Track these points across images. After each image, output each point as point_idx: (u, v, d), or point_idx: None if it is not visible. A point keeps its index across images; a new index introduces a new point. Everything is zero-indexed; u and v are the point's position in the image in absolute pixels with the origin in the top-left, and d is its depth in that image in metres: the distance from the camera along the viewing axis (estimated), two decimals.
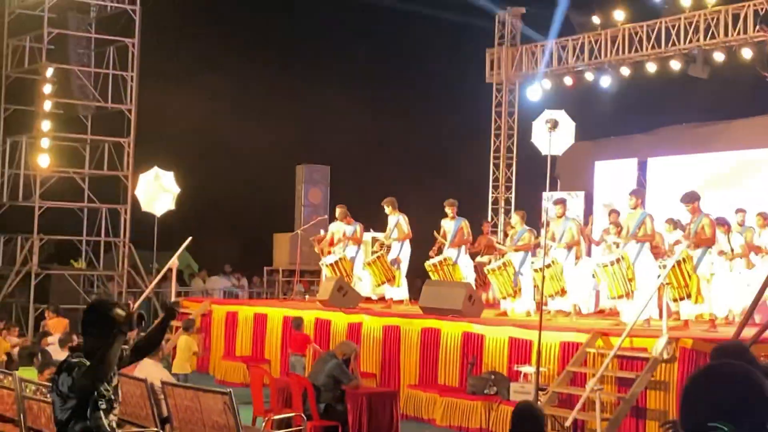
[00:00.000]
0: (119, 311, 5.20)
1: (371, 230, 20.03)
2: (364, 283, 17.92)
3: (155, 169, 22.18)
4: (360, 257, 17.94)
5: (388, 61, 28.45)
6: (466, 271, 16.95)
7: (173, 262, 18.08)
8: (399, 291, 17.55)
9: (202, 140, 26.98)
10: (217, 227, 26.69)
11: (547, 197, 16.57)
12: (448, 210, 16.94)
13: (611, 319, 14.96)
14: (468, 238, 17.10)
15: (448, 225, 16.98)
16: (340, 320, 16.15)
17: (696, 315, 13.58)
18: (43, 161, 22.37)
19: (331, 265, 17.69)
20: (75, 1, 23.75)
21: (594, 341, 12.43)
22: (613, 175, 22.45)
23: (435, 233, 17.11)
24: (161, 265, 19.31)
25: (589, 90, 23.49)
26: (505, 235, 17.82)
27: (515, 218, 16.68)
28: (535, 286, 15.66)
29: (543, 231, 14.79)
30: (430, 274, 16.88)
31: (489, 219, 24.24)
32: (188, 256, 26.11)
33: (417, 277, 18.51)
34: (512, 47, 25.10)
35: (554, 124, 13.34)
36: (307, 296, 20.90)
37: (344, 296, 16.82)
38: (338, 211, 18.60)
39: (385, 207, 17.52)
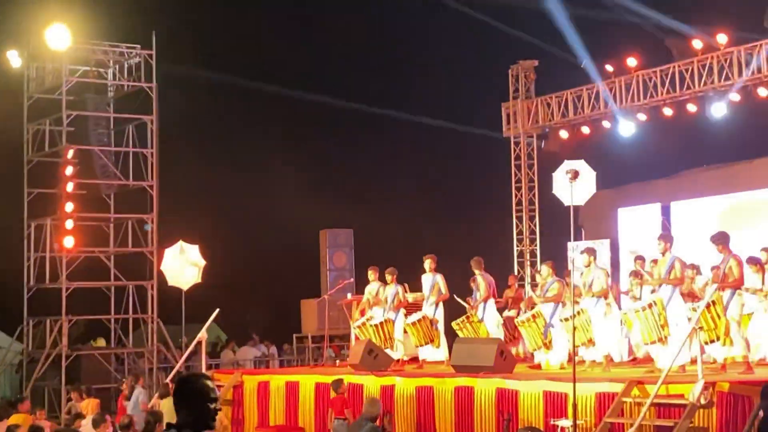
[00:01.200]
0: (208, 383, 5.29)
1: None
2: (400, 345, 17.86)
3: (180, 243, 22.29)
4: (400, 320, 17.85)
5: (405, 123, 28.66)
6: (491, 327, 16.95)
7: (202, 335, 18.08)
8: (439, 352, 17.47)
9: (225, 212, 27.14)
10: (244, 297, 26.75)
11: (573, 247, 16.56)
12: (477, 270, 17.02)
13: (645, 366, 14.83)
14: (488, 292, 17.07)
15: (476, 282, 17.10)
16: (372, 383, 16.05)
17: (726, 358, 13.45)
18: (68, 242, 22.56)
19: (375, 326, 17.62)
20: (92, 83, 24.11)
21: (630, 390, 12.31)
22: (636, 221, 22.42)
23: (460, 299, 17.22)
24: (190, 339, 19.31)
25: (607, 137, 23.57)
26: (533, 287, 17.80)
27: (544, 269, 16.66)
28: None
29: (571, 281, 14.76)
30: (458, 332, 16.84)
31: (515, 272, 24.17)
32: (217, 327, 26.12)
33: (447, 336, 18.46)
34: (527, 100, 25.24)
35: (575, 175, 13.36)
36: (337, 361, 20.81)
37: (375, 359, 16.74)
38: (372, 273, 18.51)
39: (426, 263, 17.44)
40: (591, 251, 15.77)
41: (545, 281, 16.32)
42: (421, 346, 17.39)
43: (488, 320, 17.03)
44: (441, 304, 17.43)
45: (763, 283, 15.20)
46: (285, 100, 28.61)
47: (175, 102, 24.29)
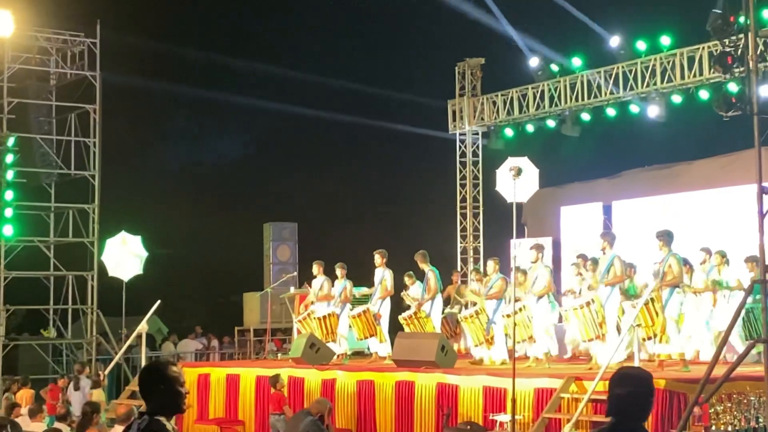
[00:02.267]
0: (176, 368, 5.33)
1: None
2: (343, 340, 17.84)
3: (122, 234, 22.10)
4: (345, 314, 17.82)
5: (352, 119, 28.66)
6: (437, 323, 17.02)
7: (142, 326, 17.96)
8: (383, 347, 17.49)
9: (168, 203, 26.93)
10: (186, 289, 26.60)
11: (515, 244, 16.68)
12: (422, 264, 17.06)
13: (584, 364, 14.99)
14: (434, 288, 17.14)
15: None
16: (313, 377, 16.06)
17: (659, 354, 13.65)
18: (7, 231, 22.24)
19: (318, 319, 17.59)
20: (34, 70, 23.77)
21: (568, 386, 12.43)
22: (579, 220, 22.61)
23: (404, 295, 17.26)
24: (130, 331, 19.17)
25: (552, 136, 23.74)
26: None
27: (490, 265, 16.73)
28: (506, 334, 15.70)
29: (512, 278, 14.87)
30: (404, 327, 16.89)
31: (458, 269, 24.26)
32: (158, 320, 25.93)
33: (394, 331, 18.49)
34: (473, 97, 25.36)
35: (518, 172, 13.47)
36: (279, 355, 20.78)
37: (317, 353, 16.74)
38: (317, 267, 18.48)
39: (376, 257, 17.40)
40: (539, 248, 15.85)
41: (490, 278, 16.41)
42: (363, 339, 17.40)
43: (435, 316, 17.09)
44: (388, 300, 17.44)
45: (690, 282, 15.53)
46: (230, 88, 28.49)
47: (118, 92, 24.04)
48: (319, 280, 18.33)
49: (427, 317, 16.70)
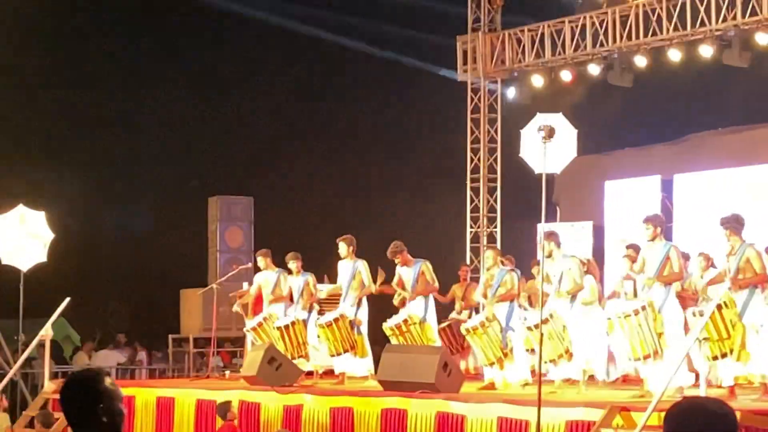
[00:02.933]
0: (110, 380, 5.29)
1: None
2: (321, 354, 17.89)
3: (20, 208, 22.02)
4: (313, 320, 17.86)
5: (325, 51, 28.59)
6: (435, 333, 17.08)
7: (45, 332, 17.93)
8: (363, 363, 17.49)
9: (81, 171, 26.87)
10: (104, 284, 26.55)
11: (544, 231, 16.69)
12: (396, 260, 17.12)
13: (633, 388, 15.01)
14: (434, 284, 17.17)
15: (405, 273, 17.12)
16: (272, 403, 16.08)
17: (737, 377, 13.67)
18: None
19: (281, 328, 17.64)
20: None
21: (611, 419, 12.45)
22: (629, 199, 22.64)
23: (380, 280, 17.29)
24: (29, 338, 19.14)
25: (595, 88, 23.74)
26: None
27: (489, 256, 16.80)
28: (530, 349, 15.70)
29: (540, 276, 14.86)
30: (391, 338, 16.89)
31: (468, 262, 24.29)
32: (67, 324, 25.89)
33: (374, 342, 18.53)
34: (491, 33, 25.30)
35: (550, 133, 13.41)
36: (227, 372, 20.82)
37: (277, 370, 16.76)
38: (263, 259, 18.53)
39: (341, 247, 17.47)
40: (551, 236, 15.81)
41: (491, 274, 16.43)
42: (337, 355, 17.40)
43: (433, 324, 17.11)
44: (365, 301, 17.46)
45: None
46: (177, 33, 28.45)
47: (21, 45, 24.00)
48: (268, 275, 18.37)
49: (423, 322, 16.73)
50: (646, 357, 13.97)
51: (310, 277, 18.02)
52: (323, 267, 18.69)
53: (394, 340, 16.79)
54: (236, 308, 19.43)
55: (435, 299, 17.69)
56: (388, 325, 16.94)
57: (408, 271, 17.13)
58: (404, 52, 27.35)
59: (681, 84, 23.11)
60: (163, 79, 27.73)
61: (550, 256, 15.57)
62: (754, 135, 21.90)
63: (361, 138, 28.40)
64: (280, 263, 18.59)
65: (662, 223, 14.52)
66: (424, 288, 17.01)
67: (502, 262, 16.92)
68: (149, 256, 26.70)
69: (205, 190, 26.04)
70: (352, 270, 17.38)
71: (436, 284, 17.44)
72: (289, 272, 18.32)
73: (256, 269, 19.97)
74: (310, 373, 17.95)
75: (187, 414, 17.35)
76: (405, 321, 16.78)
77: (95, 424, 5.16)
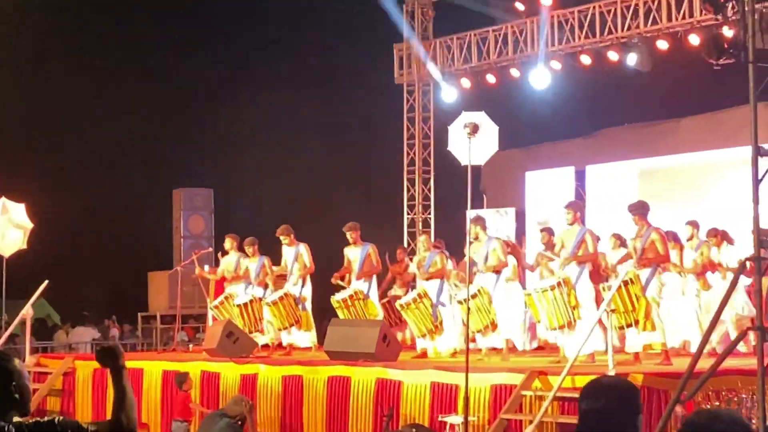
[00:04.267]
0: (18, 361, 5.19)
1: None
2: (271, 328, 17.83)
3: (2, 201, 21.76)
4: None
5: (279, 64, 28.44)
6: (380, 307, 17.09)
7: (26, 312, 17.76)
8: (307, 336, 17.46)
9: (58, 165, 26.58)
10: (79, 268, 26.30)
11: (472, 216, 16.71)
12: (349, 235, 17.07)
13: (551, 355, 15.08)
14: (377, 266, 17.19)
15: (353, 253, 17.09)
16: (230, 372, 16.00)
17: (644, 345, 13.76)
18: None
19: (240, 306, 17.57)
20: None
21: (530, 382, 12.48)
22: (547, 187, 22.71)
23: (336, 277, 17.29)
24: (11, 317, 18.96)
25: (516, 88, 23.76)
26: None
27: (421, 242, 16.88)
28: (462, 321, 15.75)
29: (467, 255, 14.91)
30: (338, 311, 16.87)
31: (405, 245, 24.28)
32: (46, 304, 25.67)
33: (321, 317, 18.50)
34: (424, 41, 25.27)
35: (474, 129, 13.43)
36: (191, 346, 20.72)
37: (235, 343, 16.70)
38: (230, 242, 18.47)
39: (281, 237, 17.48)
40: (478, 221, 15.90)
41: (423, 256, 16.50)
42: (284, 329, 17.37)
43: (374, 299, 17.11)
44: (309, 280, 17.44)
45: (681, 261, 15.65)
46: (139, 31, 28.14)
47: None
48: (232, 257, 18.32)
49: (366, 299, 16.73)
50: (561, 327, 14.07)
51: (266, 260, 17.96)
52: (278, 250, 18.60)
53: (340, 313, 16.76)
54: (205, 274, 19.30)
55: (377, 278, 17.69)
56: (336, 298, 16.88)
57: (356, 252, 17.10)
58: (345, 57, 27.28)
59: (592, 85, 23.19)
60: (132, 83, 27.49)
61: (477, 238, 15.63)
62: (656, 130, 22.03)
63: (309, 134, 28.28)
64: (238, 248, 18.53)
65: (581, 209, 14.62)
66: (369, 268, 17.01)
67: (435, 246, 17.01)
68: (120, 242, 26.50)
69: (170, 183, 25.88)
70: (294, 253, 17.36)
71: (380, 266, 17.44)
72: (246, 255, 18.26)
73: (217, 254, 19.88)
74: (266, 346, 17.89)
75: (155, 383, 17.24)
76: (351, 296, 16.77)
77: (9, 400, 5.10)
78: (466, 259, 14.85)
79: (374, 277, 17.26)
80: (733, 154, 18.84)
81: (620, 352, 14.24)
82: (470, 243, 15.15)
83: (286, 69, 28.39)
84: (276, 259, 17.86)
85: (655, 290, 13.80)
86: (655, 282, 13.78)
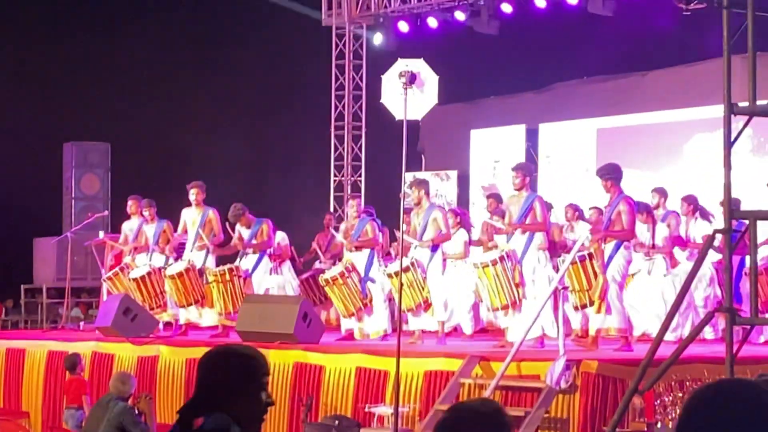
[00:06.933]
0: None
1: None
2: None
3: None
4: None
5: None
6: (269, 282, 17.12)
7: None
8: (211, 314, 17.41)
9: None
10: None
11: (407, 179, 16.71)
12: (239, 222, 17.18)
13: (498, 340, 15.15)
14: (219, 236, 17.24)
15: (245, 232, 17.18)
16: (126, 354, 15.99)
17: (598, 329, 13.85)
18: None
19: (138, 279, 17.48)
20: None
21: (470, 369, 12.55)
22: (494, 148, 22.78)
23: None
24: None
25: (461, 35, 23.73)
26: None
27: (351, 206, 16.86)
28: (390, 299, 15.76)
29: (400, 224, 14.90)
30: (212, 284, 16.79)
31: (332, 210, 24.25)
32: None
33: None
34: None
35: (411, 79, 13.43)
36: (82, 324, 20.60)
37: (133, 321, 16.66)
38: (133, 204, 18.41)
39: (191, 194, 17.33)
40: (421, 184, 15.89)
41: (352, 224, 16.45)
42: (184, 306, 17.29)
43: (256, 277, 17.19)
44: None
45: (653, 237, 15.67)
46: None
47: None
48: (134, 222, 18.27)
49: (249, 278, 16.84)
50: (504, 307, 14.11)
51: (166, 224, 17.87)
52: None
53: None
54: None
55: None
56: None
57: (246, 231, 17.17)
58: None
59: (547, 33, 23.23)
60: (16, 19, 27.14)
61: (419, 203, 15.61)
62: (618, 85, 22.15)
63: (220, 81, 28.08)
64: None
65: (530, 173, 14.63)
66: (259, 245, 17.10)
67: (366, 212, 16.92)
68: (0, 203, 26.18)
69: (59, 135, 25.59)
70: (201, 218, 17.26)
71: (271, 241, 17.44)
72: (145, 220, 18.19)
73: (114, 218, 19.77)
74: (169, 325, 17.82)
75: (38, 366, 17.19)
76: (231, 270, 16.77)
77: None
78: (401, 227, 14.85)
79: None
80: (704, 113, 18.99)
81: (577, 336, 14.40)
82: (404, 210, 15.13)
83: (194, 5, 28.15)
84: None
85: (616, 269, 13.88)
86: (618, 259, 13.84)
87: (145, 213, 18.06)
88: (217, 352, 5.02)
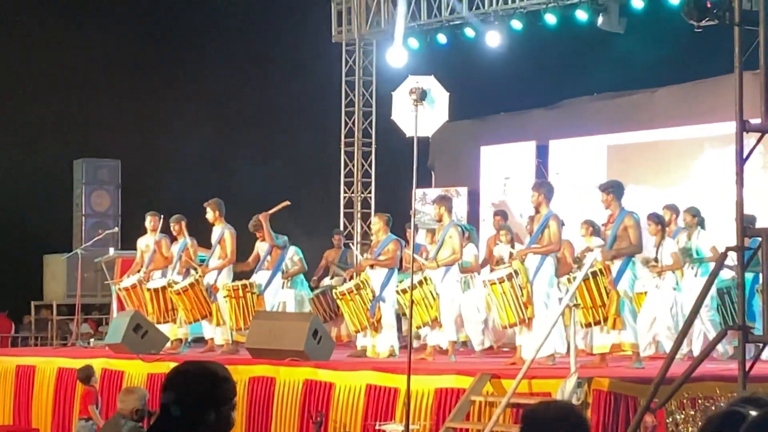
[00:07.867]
0: None
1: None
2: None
3: None
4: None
5: (197, 12, 28.24)
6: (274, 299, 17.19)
7: None
8: (220, 331, 17.42)
9: None
10: None
11: (417, 197, 16.69)
12: (258, 233, 17.13)
13: (507, 357, 15.12)
14: (231, 257, 17.27)
15: (263, 248, 17.28)
16: (136, 371, 15.96)
17: (613, 345, 13.81)
18: None
19: (152, 291, 17.54)
20: None
21: (481, 386, 12.51)
22: (505, 164, 22.76)
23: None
24: None
25: (471, 51, 23.74)
26: (364, 250, 17.89)
27: (376, 223, 16.68)
28: (402, 314, 15.75)
29: (411, 240, 14.90)
30: (342, 305, 16.60)
31: (341, 228, 24.26)
32: None
33: None
34: None
35: (421, 95, 13.41)
36: (92, 341, 20.57)
37: (143, 337, 16.67)
38: (151, 221, 18.43)
39: (208, 211, 17.35)
40: (444, 201, 15.90)
41: (378, 239, 16.37)
42: (191, 323, 17.33)
43: (268, 295, 17.19)
44: (229, 268, 17.40)
45: (657, 251, 15.60)
46: None
47: None
48: (149, 239, 18.25)
49: (262, 296, 16.85)
50: (512, 325, 14.10)
51: (190, 241, 17.92)
52: (195, 232, 18.50)
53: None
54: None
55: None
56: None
57: (264, 245, 17.24)
58: (275, 11, 27.13)
59: (557, 49, 23.24)
60: (27, 36, 27.22)
61: (440, 220, 15.63)
62: (628, 102, 22.12)
63: (231, 99, 28.13)
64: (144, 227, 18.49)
65: (550, 191, 14.48)
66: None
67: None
68: (11, 220, 26.19)
69: (70, 153, 25.66)
70: (218, 235, 17.29)
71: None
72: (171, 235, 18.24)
73: (125, 235, 19.80)
74: (179, 341, 17.87)
75: (48, 382, 17.22)
76: (244, 286, 16.80)
77: None
78: (411, 243, 14.83)
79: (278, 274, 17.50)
80: (715, 130, 18.96)
81: (584, 353, 14.34)
82: (415, 227, 15.12)
83: (205, 22, 28.20)
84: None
85: (627, 283, 13.84)
86: (628, 274, 13.80)
87: (174, 227, 18.00)
88: (177, 370, 4.94)
